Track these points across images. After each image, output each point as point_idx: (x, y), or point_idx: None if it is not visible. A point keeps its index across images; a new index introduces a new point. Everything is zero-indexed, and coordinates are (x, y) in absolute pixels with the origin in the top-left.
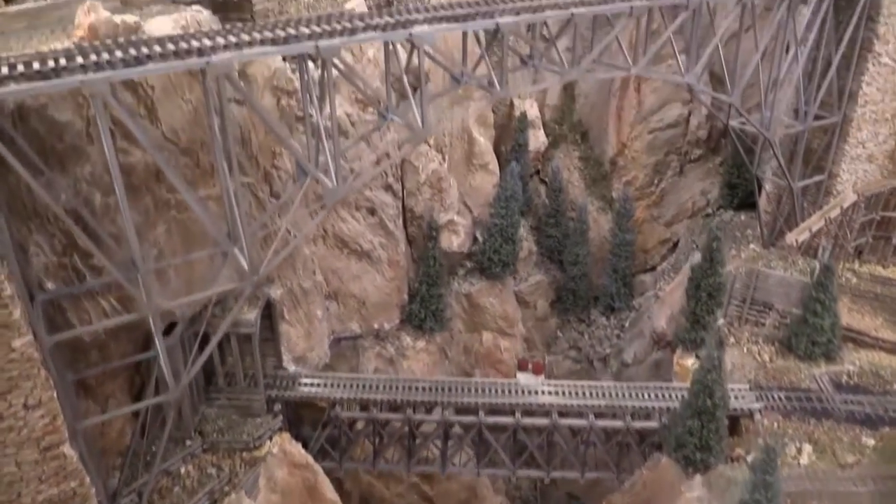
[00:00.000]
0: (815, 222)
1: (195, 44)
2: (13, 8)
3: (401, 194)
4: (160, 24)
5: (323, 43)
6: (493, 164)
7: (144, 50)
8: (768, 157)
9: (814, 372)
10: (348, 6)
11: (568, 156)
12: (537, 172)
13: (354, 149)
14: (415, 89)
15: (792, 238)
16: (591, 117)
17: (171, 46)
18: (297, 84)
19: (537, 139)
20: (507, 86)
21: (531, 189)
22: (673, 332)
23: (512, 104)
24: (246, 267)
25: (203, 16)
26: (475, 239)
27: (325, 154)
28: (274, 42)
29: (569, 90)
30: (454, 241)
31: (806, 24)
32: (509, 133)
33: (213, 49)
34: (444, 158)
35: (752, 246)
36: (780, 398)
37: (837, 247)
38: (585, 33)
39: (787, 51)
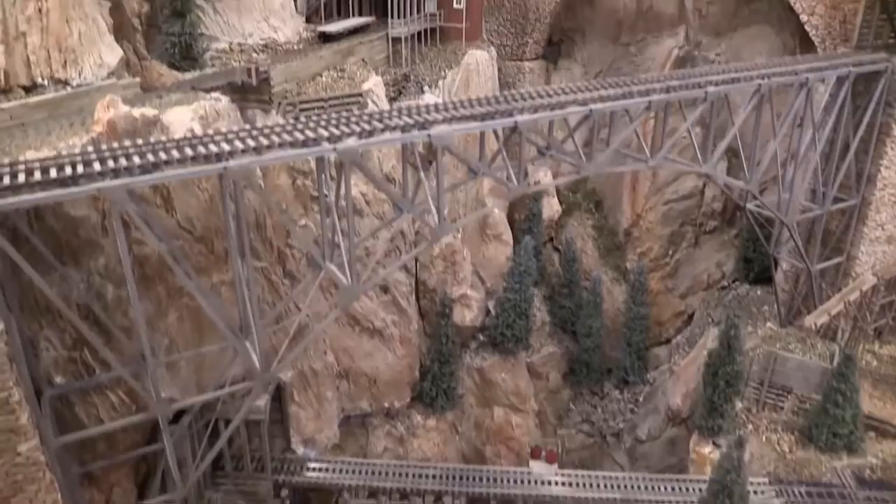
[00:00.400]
0: (834, 305)
1: (213, 148)
2: (34, 98)
3: (414, 270)
4: (179, 115)
5: (341, 146)
6: (507, 235)
7: (162, 155)
8: (785, 237)
9: (835, 465)
10: (365, 86)
11: (582, 224)
12: (551, 240)
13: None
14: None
15: (811, 321)
16: (605, 186)
17: (188, 151)
18: (312, 164)
19: (551, 207)
20: (525, 181)
21: (544, 257)
22: (688, 409)
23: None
24: (257, 364)
25: (222, 104)
26: (488, 312)
27: (341, 249)
28: (293, 145)
29: (586, 142)
30: (467, 316)
31: (824, 109)
32: (523, 201)
33: (231, 154)
34: (457, 230)
35: (769, 324)
36: (800, 494)
37: (857, 329)
38: (603, 128)
39: (805, 135)
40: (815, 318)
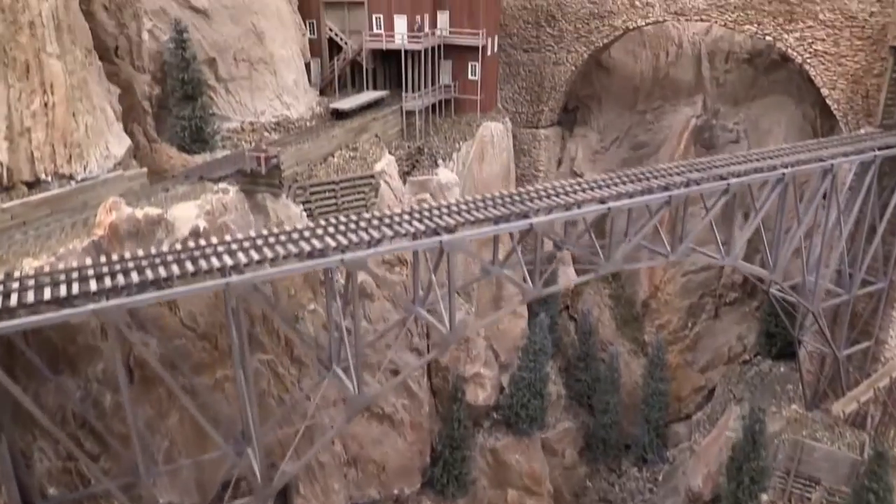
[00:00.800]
0: (863, 392)
1: (215, 261)
2: (36, 196)
3: (426, 351)
4: (184, 212)
5: (349, 257)
6: (522, 307)
7: (162, 271)
8: (810, 320)
9: None
10: (378, 167)
11: (598, 294)
12: (567, 308)
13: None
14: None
15: (839, 409)
16: None
17: (189, 266)
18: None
19: (567, 276)
20: (539, 284)
21: (560, 327)
22: (710, 492)
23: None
24: (258, 477)
25: (229, 196)
26: (502, 389)
27: (347, 353)
28: (299, 256)
29: (599, 226)
30: (480, 395)
31: (848, 189)
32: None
33: (234, 267)
34: (472, 305)
35: (794, 406)
36: None
37: (887, 416)
38: (621, 224)
39: (829, 218)
40: (844, 406)
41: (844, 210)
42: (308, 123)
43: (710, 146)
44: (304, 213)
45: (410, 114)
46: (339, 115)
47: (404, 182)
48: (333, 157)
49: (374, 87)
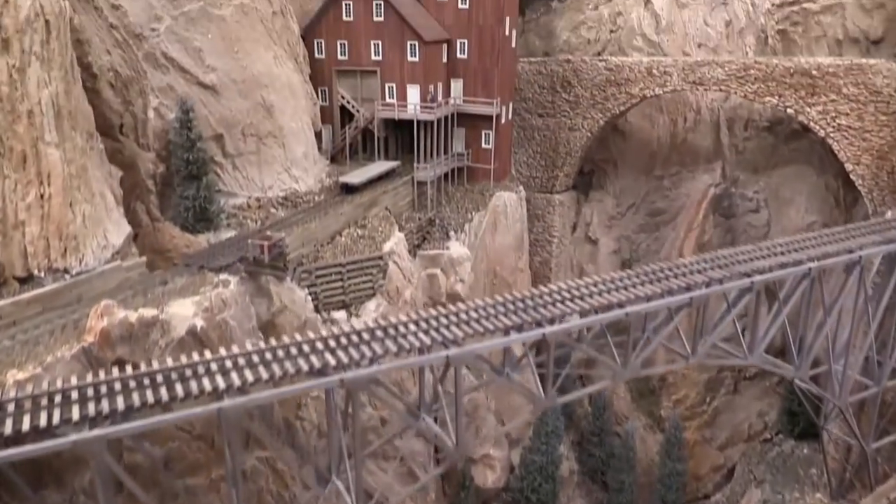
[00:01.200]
0: (892, 489)
1: (207, 384)
2: (27, 294)
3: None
4: (181, 310)
5: (349, 377)
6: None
7: (150, 395)
8: (836, 410)
9: None
10: (386, 247)
11: None
12: (580, 378)
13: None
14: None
15: None
16: None
17: (179, 390)
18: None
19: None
20: (553, 391)
21: (573, 400)
22: None
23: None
24: None
25: (230, 290)
26: (512, 468)
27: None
28: (297, 374)
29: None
30: (489, 477)
31: (878, 284)
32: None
33: (228, 390)
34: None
35: (818, 495)
36: None
37: None
38: (638, 330)
39: (857, 310)
40: None
41: (872, 297)
42: (317, 197)
43: (730, 215)
44: (310, 297)
45: (422, 184)
46: (348, 189)
47: (414, 255)
48: (341, 235)
49: (386, 155)
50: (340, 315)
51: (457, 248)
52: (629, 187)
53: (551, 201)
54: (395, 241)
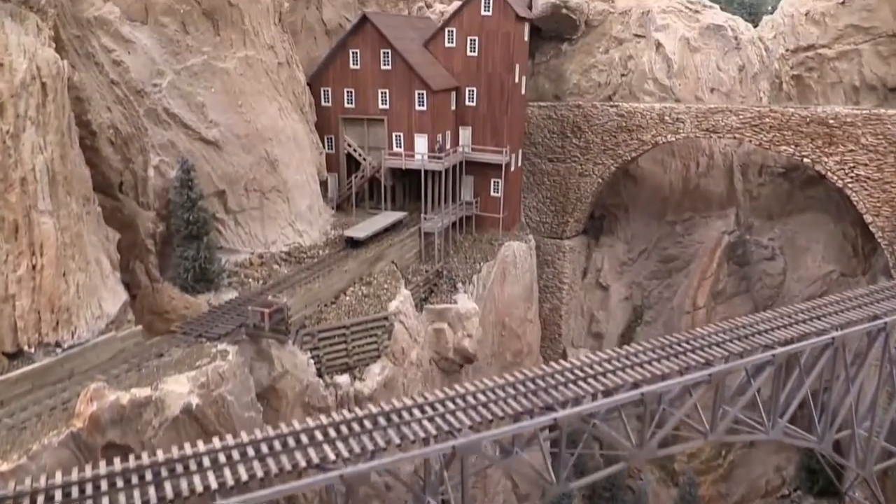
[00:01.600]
0: None
1: (198, 483)
2: (16, 372)
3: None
4: (176, 387)
5: (349, 472)
6: None
7: (137, 498)
8: (860, 477)
9: None
10: (392, 306)
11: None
12: (599, 444)
13: None
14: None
15: None
16: None
17: (168, 489)
18: (330, 401)
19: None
20: (564, 477)
21: (585, 453)
22: None
23: (565, 352)
24: None
25: (228, 362)
26: None
27: None
28: (293, 470)
29: (626, 337)
30: None
31: None
32: None
33: (220, 488)
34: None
35: None
36: None
37: None
38: (654, 403)
39: (883, 376)
40: None
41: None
42: (321, 251)
43: (745, 263)
44: (312, 361)
45: (429, 234)
46: (353, 243)
47: (421, 310)
48: (346, 294)
49: (393, 203)
50: (343, 379)
51: (464, 301)
52: (641, 233)
53: (561, 247)
54: (402, 300)
